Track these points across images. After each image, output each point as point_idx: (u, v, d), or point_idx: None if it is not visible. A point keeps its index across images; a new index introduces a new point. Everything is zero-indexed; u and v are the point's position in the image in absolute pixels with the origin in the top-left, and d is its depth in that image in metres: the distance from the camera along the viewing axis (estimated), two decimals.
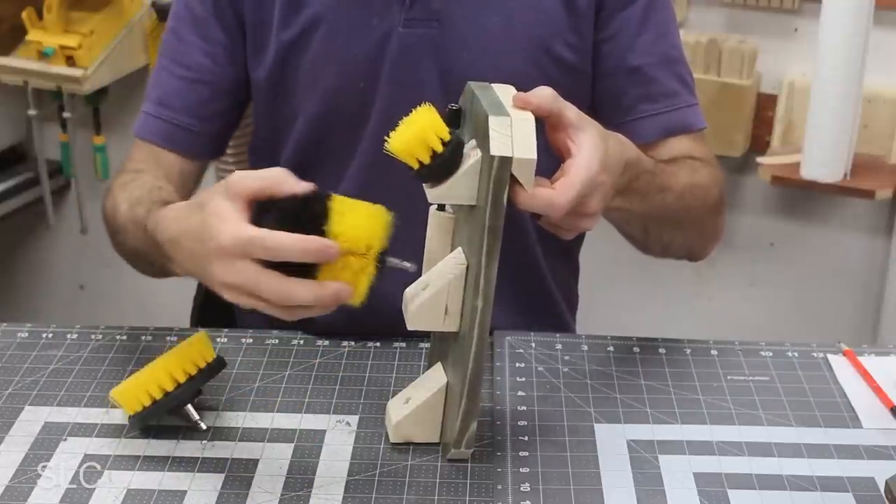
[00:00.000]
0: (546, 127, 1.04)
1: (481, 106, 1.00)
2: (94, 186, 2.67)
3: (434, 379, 1.08)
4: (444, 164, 0.99)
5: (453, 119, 1.03)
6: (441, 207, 1.07)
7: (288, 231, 0.95)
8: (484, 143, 0.98)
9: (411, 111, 1.01)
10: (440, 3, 1.25)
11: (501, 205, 0.97)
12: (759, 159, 2.19)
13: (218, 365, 1.11)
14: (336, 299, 0.97)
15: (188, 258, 1.03)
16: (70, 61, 2.36)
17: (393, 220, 0.99)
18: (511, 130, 0.97)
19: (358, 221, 0.98)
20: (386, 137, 0.98)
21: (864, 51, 2.01)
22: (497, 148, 0.96)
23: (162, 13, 2.43)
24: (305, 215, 0.96)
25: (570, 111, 1.04)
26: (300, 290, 0.96)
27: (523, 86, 1.06)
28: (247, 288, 0.96)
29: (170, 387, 1.07)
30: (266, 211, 0.97)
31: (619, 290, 2.43)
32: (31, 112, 2.52)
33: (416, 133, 0.99)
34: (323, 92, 1.29)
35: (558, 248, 1.41)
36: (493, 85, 1.05)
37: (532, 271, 1.37)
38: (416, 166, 0.99)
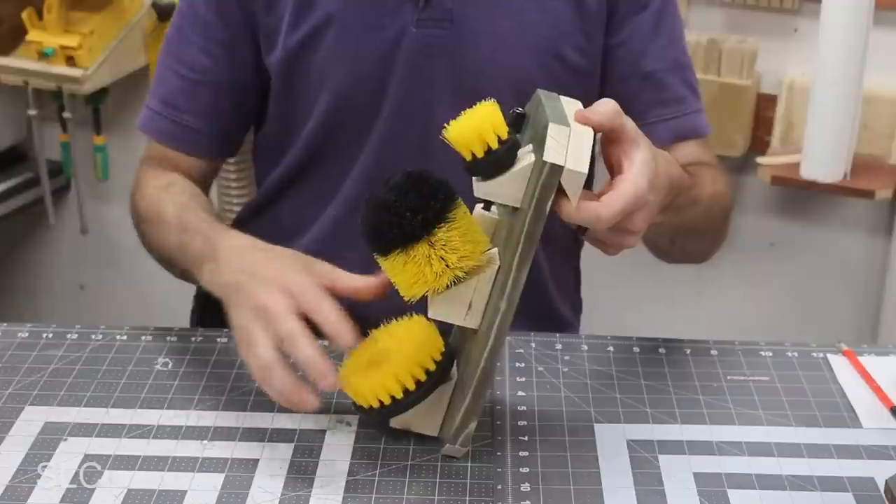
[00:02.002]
0: (604, 140, 1.03)
1: (545, 114, 0.99)
2: (95, 186, 2.67)
3: None
4: (495, 161, 0.98)
5: (516, 123, 1.03)
6: (487, 208, 1.07)
7: (398, 204, 0.97)
8: (539, 148, 0.97)
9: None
10: (452, 3, 1.25)
11: (543, 212, 0.97)
12: (759, 159, 2.19)
13: (448, 362, 1.04)
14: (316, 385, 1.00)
15: (242, 261, 1.07)
16: (70, 61, 2.36)
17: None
18: (568, 141, 0.97)
19: (469, 237, 0.99)
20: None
21: (864, 51, 2.01)
22: (550, 155, 0.95)
23: (162, 13, 2.42)
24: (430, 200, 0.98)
25: (630, 125, 1.02)
26: (307, 348, 0.98)
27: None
28: (271, 312, 1.00)
29: (399, 391, 1.01)
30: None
31: (620, 291, 2.43)
32: (32, 112, 2.51)
33: (476, 126, 0.98)
34: (334, 91, 1.29)
35: (560, 254, 1.41)
36: (560, 97, 1.04)
37: (533, 276, 1.37)
38: (468, 158, 0.99)
